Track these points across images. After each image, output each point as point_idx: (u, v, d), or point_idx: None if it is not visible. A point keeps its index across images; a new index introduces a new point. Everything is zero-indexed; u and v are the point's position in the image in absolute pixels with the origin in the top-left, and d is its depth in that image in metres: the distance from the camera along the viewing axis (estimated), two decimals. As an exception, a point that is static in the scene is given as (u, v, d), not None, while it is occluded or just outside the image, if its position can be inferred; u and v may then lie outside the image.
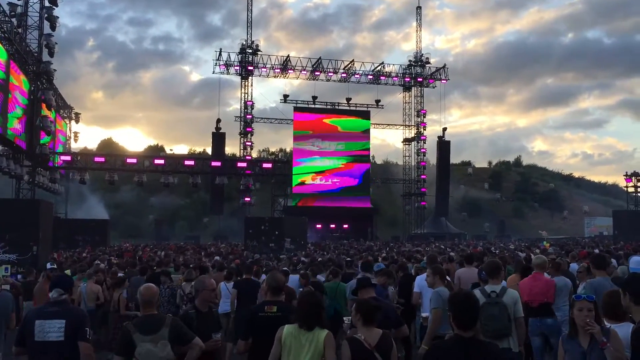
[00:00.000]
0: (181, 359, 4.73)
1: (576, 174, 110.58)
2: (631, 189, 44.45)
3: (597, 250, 16.47)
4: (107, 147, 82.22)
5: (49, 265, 11.06)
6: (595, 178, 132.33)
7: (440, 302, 6.20)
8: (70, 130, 47.52)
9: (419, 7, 56.58)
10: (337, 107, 54.18)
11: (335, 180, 51.94)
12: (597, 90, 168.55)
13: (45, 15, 30.91)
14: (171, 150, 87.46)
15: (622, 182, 46.45)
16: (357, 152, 52.85)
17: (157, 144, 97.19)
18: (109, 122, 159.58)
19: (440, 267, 7.03)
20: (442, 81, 54.81)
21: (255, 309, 5.39)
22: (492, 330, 5.60)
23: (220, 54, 49.66)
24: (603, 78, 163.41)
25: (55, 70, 32.04)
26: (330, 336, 4.58)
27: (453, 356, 3.64)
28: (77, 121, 47.53)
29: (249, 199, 45.99)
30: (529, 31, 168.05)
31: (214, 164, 43.93)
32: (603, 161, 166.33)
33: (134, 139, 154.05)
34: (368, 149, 54.56)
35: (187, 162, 43.75)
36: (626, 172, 44.37)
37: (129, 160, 41.94)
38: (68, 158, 40.89)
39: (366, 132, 54.14)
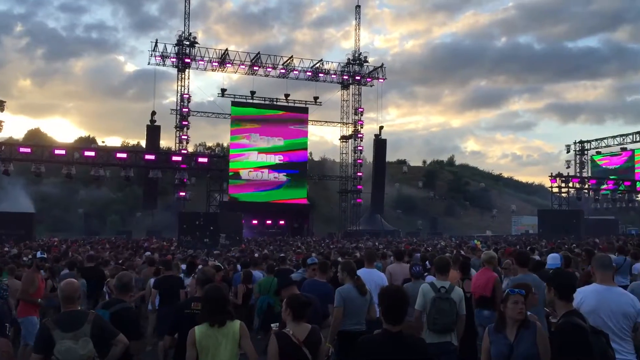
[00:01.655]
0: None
1: (505, 174, 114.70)
2: (555, 190, 46.46)
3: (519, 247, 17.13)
4: (35, 137, 78.52)
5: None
6: (523, 178, 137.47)
7: (341, 301, 6.21)
8: (-7, 118, 45.06)
9: (358, 6, 57.24)
10: (275, 102, 54.00)
11: (271, 175, 51.75)
12: (527, 93, 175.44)
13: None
14: (103, 142, 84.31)
15: (547, 183, 48.51)
16: (294, 149, 52.82)
17: (89, 136, 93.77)
18: (37, 112, 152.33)
19: (350, 263, 7.03)
20: (380, 80, 55.62)
21: (181, 305, 5.29)
22: (442, 324, 5.72)
23: (156, 45, 48.52)
24: (533, 82, 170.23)
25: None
26: (243, 326, 4.60)
27: (382, 351, 3.69)
28: (1, 109, 45.17)
29: (183, 193, 45.16)
30: (465, 34, 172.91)
31: (147, 157, 42.88)
32: (531, 162, 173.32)
33: (63, 130, 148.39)
34: (306, 146, 54.66)
35: (119, 155, 42.42)
36: (551, 173, 46.39)
37: (57, 152, 40.29)
38: (-10, 148, 38.87)
39: (304, 129, 54.21)
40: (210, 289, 4.79)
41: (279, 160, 52.04)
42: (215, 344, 4.43)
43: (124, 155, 42.90)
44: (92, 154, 41.15)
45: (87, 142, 75.98)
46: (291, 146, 52.63)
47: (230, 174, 48.82)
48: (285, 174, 52.23)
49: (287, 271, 10.02)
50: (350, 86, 55.94)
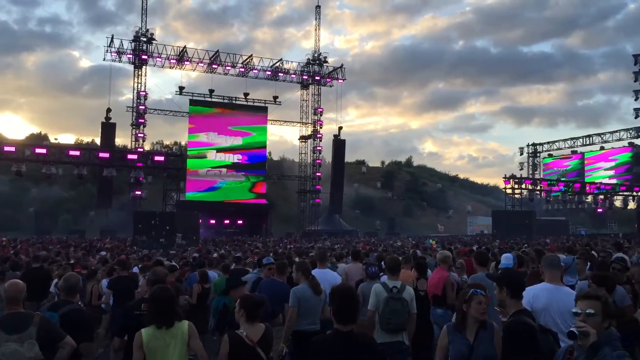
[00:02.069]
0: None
1: (461, 175, 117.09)
2: (509, 191, 47.52)
3: (476, 247, 17.43)
4: (-17, 133, 75.92)
5: None
6: (479, 180, 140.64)
7: (295, 301, 6.23)
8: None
9: (318, 7, 57.38)
10: (234, 101, 53.58)
11: (230, 175, 51.33)
12: (483, 96, 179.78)
13: None
14: (56, 139, 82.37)
15: (502, 184, 49.54)
16: (253, 148, 52.53)
17: (41, 132, 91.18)
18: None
19: (305, 263, 7.05)
20: (339, 81, 55.86)
21: (131, 306, 5.18)
22: (395, 324, 5.75)
23: (112, 41, 47.55)
24: (489, 85, 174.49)
25: None
26: (192, 326, 4.52)
27: (333, 351, 3.69)
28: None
29: (139, 192, 44.36)
30: (423, 37, 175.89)
31: (101, 155, 41.97)
32: (486, 164, 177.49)
33: (14, 126, 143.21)
34: (264, 145, 54.43)
35: (71, 152, 41.26)
36: (505, 175, 47.44)
37: (6, 149, 38.93)
38: None
39: (263, 128, 53.96)
40: (157, 289, 4.67)
41: (238, 159, 51.65)
42: (163, 345, 4.33)
43: (77, 153, 41.76)
44: (44, 151, 39.99)
45: (39, 139, 73.89)
46: (250, 145, 52.31)
47: (187, 172, 48.20)
48: (243, 173, 51.88)
49: (241, 271, 9.97)
50: (310, 86, 55.98)
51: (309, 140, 56.72)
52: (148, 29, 48.93)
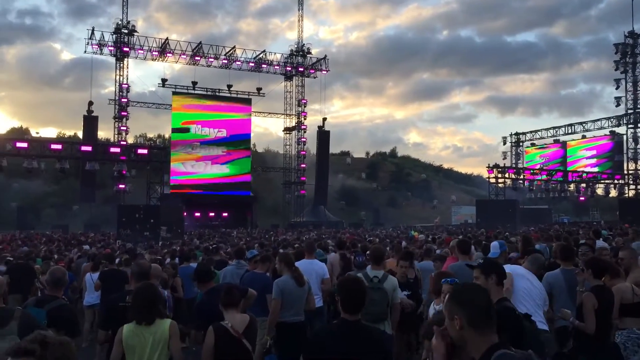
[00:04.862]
0: None
1: (446, 165, 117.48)
2: (492, 180, 47.85)
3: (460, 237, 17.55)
4: (-38, 127, 74.76)
5: None
6: (463, 169, 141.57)
7: (279, 292, 6.28)
8: None
9: (301, -3, 57.00)
10: (218, 93, 53.29)
11: (214, 167, 51.14)
12: (468, 86, 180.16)
13: None
14: (37, 133, 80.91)
15: (485, 174, 49.86)
16: (237, 140, 52.34)
17: (22, 126, 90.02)
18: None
19: (288, 254, 7.07)
20: (323, 72, 55.76)
21: (115, 298, 5.16)
22: (373, 314, 5.80)
23: (92, 33, 46.98)
24: (473, 75, 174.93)
25: None
26: (174, 325, 4.47)
27: (336, 340, 3.69)
28: None
29: (123, 186, 43.99)
30: (408, 27, 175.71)
31: (83, 148, 41.57)
32: (471, 154, 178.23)
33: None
34: (249, 137, 54.25)
35: (53, 146, 40.81)
36: (488, 164, 47.72)
37: (-14, 143, 38.52)
38: None
39: (247, 120, 53.77)
40: (140, 287, 4.65)
41: (222, 151, 51.45)
42: (142, 343, 4.29)
43: (59, 146, 41.35)
44: (25, 145, 39.52)
45: (20, 133, 72.92)
46: (234, 137, 52.11)
47: (171, 165, 47.95)
48: (227, 164, 51.69)
49: (220, 262, 10.02)
50: (294, 77, 55.83)
51: (294, 132, 56.63)
52: (129, 21, 48.46)
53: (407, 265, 7.06)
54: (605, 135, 60.40)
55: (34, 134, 71.08)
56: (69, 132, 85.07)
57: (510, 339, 3.89)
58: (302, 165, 54.85)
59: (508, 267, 5.69)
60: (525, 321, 4.06)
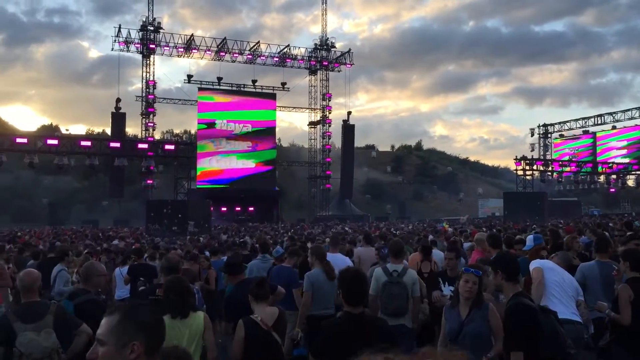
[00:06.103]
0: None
1: (472, 158, 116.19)
2: (520, 173, 47.16)
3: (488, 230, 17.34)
4: (-5, 125, 76.42)
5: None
6: (489, 162, 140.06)
7: (309, 286, 6.28)
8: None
9: (325, -9, 56.86)
10: (242, 88, 53.54)
11: (240, 162, 51.44)
12: (494, 77, 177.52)
13: None
14: (67, 130, 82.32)
15: (513, 166, 49.13)
16: (262, 134, 52.56)
17: (52, 124, 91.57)
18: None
19: (320, 247, 7.07)
20: (347, 66, 55.60)
21: (145, 291, 5.23)
22: (392, 308, 5.77)
23: (119, 31, 47.60)
24: (500, 66, 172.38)
25: None
26: (207, 318, 4.56)
27: (343, 333, 3.71)
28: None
29: (151, 181, 44.58)
30: (433, 18, 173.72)
31: (112, 145, 42.00)
32: (497, 146, 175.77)
33: (25, 118, 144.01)
34: (274, 132, 54.44)
35: (83, 143, 41.35)
36: (516, 156, 47.01)
37: (18, 140, 39.10)
38: (-52, 137, 37.64)
39: (272, 115, 53.94)
40: (170, 281, 4.68)
41: (248, 146, 51.74)
42: (179, 336, 4.33)
43: (88, 143, 41.88)
44: (55, 142, 40.09)
45: (51, 130, 74.15)
46: (259, 132, 52.35)
47: (198, 160, 48.37)
48: (253, 160, 51.95)
49: (245, 257, 10.01)
50: (318, 71, 55.78)
51: (318, 126, 56.63)
52: (155, 18, 48.97)
53: (453, 257, 6.94)
54: (637, 125, 59.07)
55: (63, 131, 72.43)
56: (97, 129, 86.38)
57: (524, 333, 3.88)
58: (328, 159, 54.84)
59: (538, 262, 5.67)
60: (541, 314, 4.05)
